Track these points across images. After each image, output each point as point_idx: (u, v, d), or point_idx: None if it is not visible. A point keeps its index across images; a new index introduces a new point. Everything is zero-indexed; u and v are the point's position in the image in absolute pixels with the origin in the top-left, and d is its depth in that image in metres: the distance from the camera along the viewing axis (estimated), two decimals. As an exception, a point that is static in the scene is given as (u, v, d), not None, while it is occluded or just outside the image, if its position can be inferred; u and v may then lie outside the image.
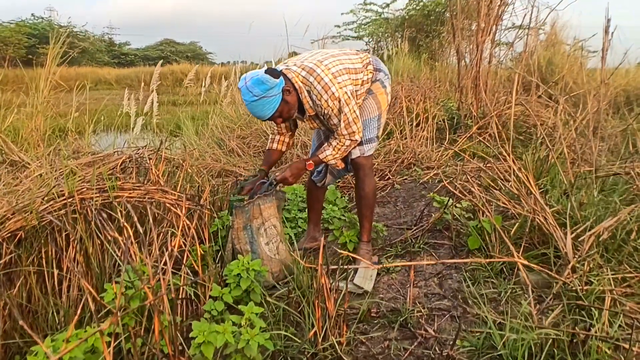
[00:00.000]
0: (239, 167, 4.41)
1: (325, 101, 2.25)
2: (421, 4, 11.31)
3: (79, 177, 2.42)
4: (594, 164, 2.78)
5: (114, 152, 2.87)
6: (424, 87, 6.61)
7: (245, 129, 5.35)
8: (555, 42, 7.16)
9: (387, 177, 4.23)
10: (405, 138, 4.96)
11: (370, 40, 13.03)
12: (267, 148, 2.70)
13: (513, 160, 2.55)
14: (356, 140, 2.42)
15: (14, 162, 2.84)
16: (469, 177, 2.86)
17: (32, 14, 28.66)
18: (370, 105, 2.53)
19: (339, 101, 2.26)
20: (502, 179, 2.77)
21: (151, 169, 2.56)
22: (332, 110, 2.28)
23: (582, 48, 6.89)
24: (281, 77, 2.18)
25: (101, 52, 30.67)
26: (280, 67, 2.37)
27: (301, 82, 2.27)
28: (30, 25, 25.97)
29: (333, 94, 2.24)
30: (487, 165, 3.26)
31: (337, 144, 2.43)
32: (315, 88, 2.25)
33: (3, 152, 2.91)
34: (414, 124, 5.14)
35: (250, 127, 5.30)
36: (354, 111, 2.33)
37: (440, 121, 5.36)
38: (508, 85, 5.91)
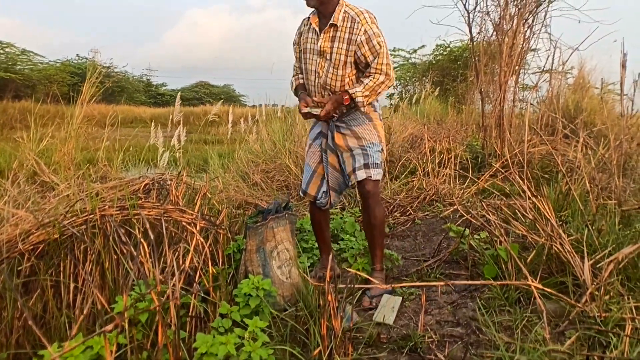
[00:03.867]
0: (260, 199, 4.46)
1: (364, 19, 2.32)
2: (448, 49, 11.54)
3: (102, 197, 2.51)
4: (618, 197, 2.71)
5: (139, 177, 2.97)
6: (450, 129, 6.64)
7: (269, 163, 5.44)
8: (583, 85, 7.13)
9: (408, 212, 4.19)
10: (428, 176, 4.95)
11: (398, 84, 13.28)
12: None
13: (529, 189, 2.51)
14: (389, 77, 2.41)
15: (44, 183, 2.98)
16: (484, 206, 2.82)
17: (77, 54, 30.55)
18: (376, 130, 2.56)
19: (377, 27, 2.35)
20: (521, 212, 2.72)
21: (171, 190, 2.63)
22: (371, 28, 2.33)
23: (611, 92, 6.82)
24: None
25: (139, 92, 32.21)
26: None
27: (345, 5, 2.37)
28: (75, 64, 27.51)
29: (371, 15, 2.34)
30: (508, 202, 3.21)
31: (370, 80, 2.39)
32: (354, 9, 2.35)
33: (35, 173, 3.06)
34: (437, 161, 5.14)
35: (274, 162, 5.40)
36: (386, 46, 2.38)
37: (464, 160, 5.34)
38: (534, 126, 5.87)
